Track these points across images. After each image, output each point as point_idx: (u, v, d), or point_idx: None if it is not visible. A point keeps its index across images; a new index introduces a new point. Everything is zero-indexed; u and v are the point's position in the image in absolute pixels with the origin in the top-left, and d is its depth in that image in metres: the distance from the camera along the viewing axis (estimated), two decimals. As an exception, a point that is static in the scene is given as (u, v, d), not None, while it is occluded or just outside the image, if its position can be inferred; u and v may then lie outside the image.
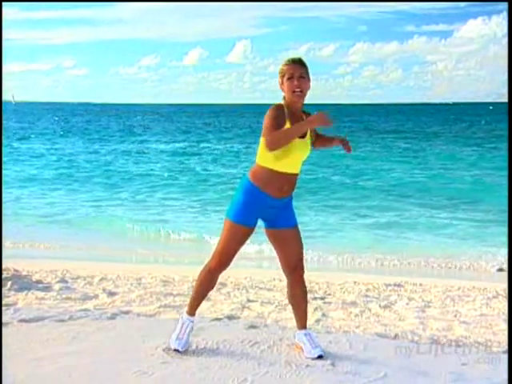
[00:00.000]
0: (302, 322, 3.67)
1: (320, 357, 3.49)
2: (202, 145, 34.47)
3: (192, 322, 3.66)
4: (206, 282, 3.56)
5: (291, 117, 3.34)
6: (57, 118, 65.61)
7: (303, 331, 3.63)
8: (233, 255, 3.46)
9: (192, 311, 3.67)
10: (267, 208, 3.41)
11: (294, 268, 3.53)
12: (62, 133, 42.94)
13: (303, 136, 3.36)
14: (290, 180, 3.39)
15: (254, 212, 3.39)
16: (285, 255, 3.53)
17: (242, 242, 3.45)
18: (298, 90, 3.31)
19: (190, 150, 31.15)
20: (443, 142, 34.73)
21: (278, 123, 3.24)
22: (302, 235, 3.54)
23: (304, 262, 3.57)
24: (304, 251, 3.56)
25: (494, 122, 59.14)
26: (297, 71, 3.32)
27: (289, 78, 3.32)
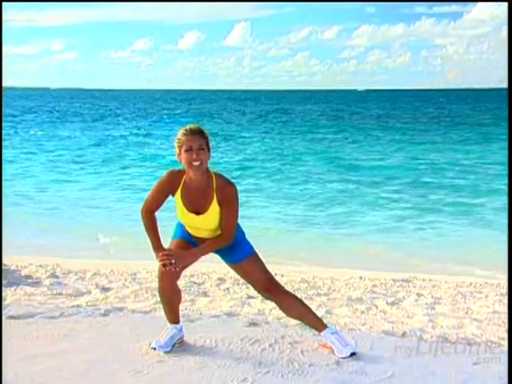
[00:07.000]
0: (318, 325, 3.68)
1: (353, 354, 3.50)
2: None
3: (175, 328, 3.66)
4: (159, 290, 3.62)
5: (186, 187, 3.42)
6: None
7: (329, 330, 3.63)
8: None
9: (169, 320, 3.68)
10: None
11: (267, 290, 3.65)
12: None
13: (198, 212, 3.43)
14: (202, 240, 3.53)
15: None
16: (250, 282, 3.73)
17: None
18: (197, 163, 3.33)
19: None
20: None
21: (160, 193, 3.47)
22: (260, 260, 3.66)
23: (273, 279, 3.68)
24: (269, 270, 3.68)
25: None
26: (195, 143, 3.32)
27: (187, 150, 3.33)
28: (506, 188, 13.90)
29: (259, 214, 11.21)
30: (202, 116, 52.75)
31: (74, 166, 19.17)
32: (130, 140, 28.54)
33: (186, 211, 3.45)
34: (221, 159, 19.99)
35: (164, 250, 3.43)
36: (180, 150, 3.36)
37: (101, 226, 10.22)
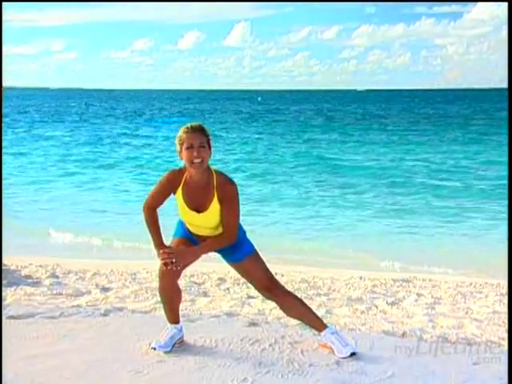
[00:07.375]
0: (318, 325, 3.67)
1: (353, 354, 3.50)
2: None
3: (175, 328, 3.66)
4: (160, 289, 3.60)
5: (187, 185, 3.42)
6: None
7: (329, 330, 3.62)
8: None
9: (169, 320, 3.68)
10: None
11: (267, 289, 3.64)
12: None
13: (199, 210, 3.42)
14: (204, 239, 3.52)
15: None
16: (251, 282, 3.73)
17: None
18: (198, 160, 3.32)
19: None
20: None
21: (160, 193, 3.48)
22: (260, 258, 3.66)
23: (274, 279, 3.68)
24: (270, 270, 3.68)
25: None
26: (196, 141, 3.32)
27: (188, 148, 3.32)
28: (487, 189, 14.01)
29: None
30: (197, 116, 52.93)
31: (61, 165, 19.18)
32: (119, 140, 28.51)
33: (186, 209, 3.45)
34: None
35: (165, 247, 3.43)
36: (181, 148, 3.36)
37: (84, 225, 10.13)
